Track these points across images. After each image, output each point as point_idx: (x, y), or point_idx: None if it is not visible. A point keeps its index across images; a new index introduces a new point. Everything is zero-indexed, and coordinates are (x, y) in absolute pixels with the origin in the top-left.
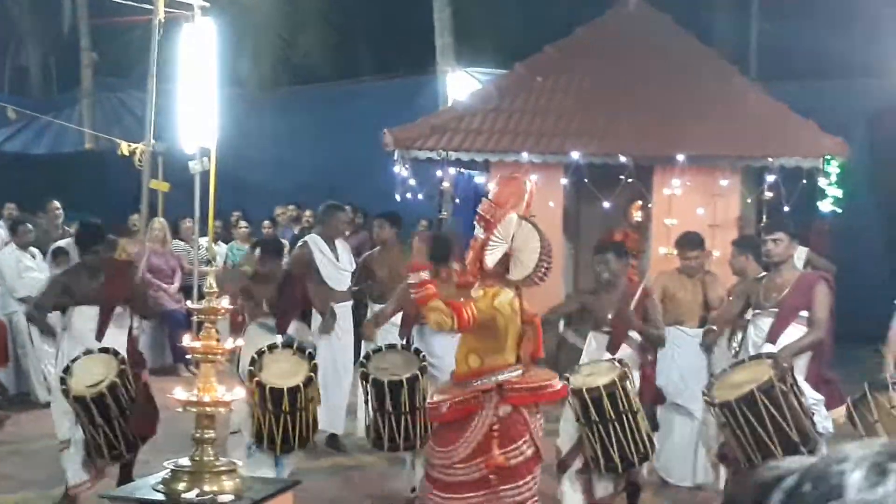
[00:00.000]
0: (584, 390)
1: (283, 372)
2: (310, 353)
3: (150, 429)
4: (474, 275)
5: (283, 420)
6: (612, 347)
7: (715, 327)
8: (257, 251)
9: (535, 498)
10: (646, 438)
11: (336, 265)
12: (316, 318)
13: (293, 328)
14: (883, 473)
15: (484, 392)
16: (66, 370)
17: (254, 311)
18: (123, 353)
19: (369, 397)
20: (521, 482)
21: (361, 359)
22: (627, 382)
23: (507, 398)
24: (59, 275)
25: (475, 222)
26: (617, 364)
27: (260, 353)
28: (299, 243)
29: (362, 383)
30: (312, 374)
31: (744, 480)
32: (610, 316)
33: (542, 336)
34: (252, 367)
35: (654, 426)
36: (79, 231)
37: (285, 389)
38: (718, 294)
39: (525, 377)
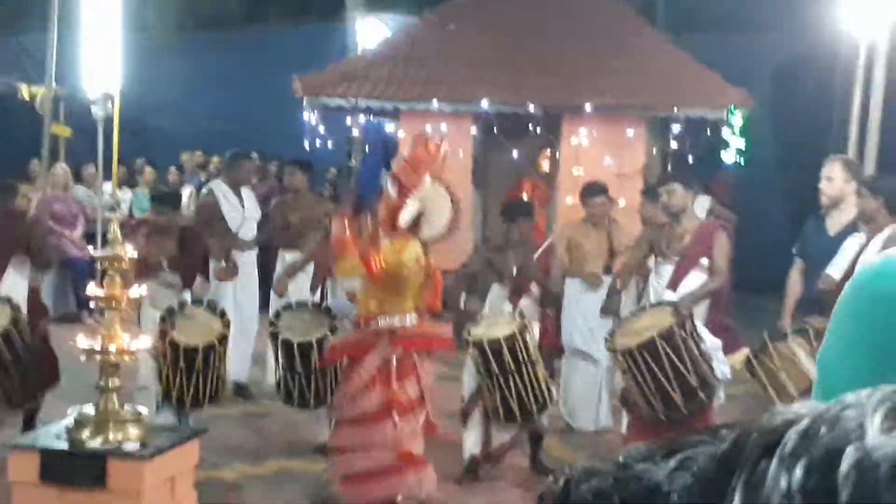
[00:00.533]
0: (484, 342)
1: (196, 330)
2: (221, 309)
3: (51, 379)
4: (386, 231)
5: (196, 378)
6: (514, 298)
7: (618, 284)
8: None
9: (410, 438)
10: (545, 389)
11: (241, 213)
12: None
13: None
14: None
15: (377, 334)
16: None
17: (151, 269)
18: (23, 302)
19: (279, 356)
20: (410, 417)
21: (272, 318)
22: (527, 334)
23: (398, 341)
24: None
25: (388, 180)
26: (516, 316)
27: (171, 311)
28: (204, 190)
29: (272, 342)
30: (226, 330)
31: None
32: (514, 270)
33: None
34: (163, 326)
35: (554, 375)
36: None
37: (200, 348)
38: (623, 241)
39: (418, 326)
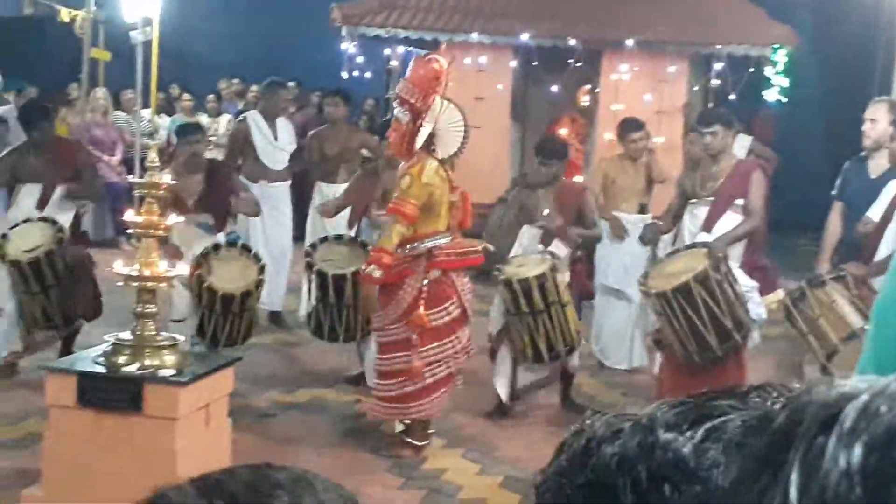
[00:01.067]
0: (514, 280)
1: (232, 275)
2: (255, 253)
3: (93, 309)
4: (401, 155)
5: (231, 321)
6: (546, 240)
7: (661, 222)
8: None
9: (458, 356)
10: (573, 330)
11: (273, 144)
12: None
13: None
14: None
15: (415, 257)
16: (4, 236)
17: (181, 209)
18: (67, 227)
19: (312, 286)
20: (445, 340)
21: (307, 247)
22: (558, 274)
23: (435, 262)
24: (5, 155)
25: (395, 102)
26: (548, 256)
27: (205, 254)
28: (238, 119)
29: (306, 272)
30: (262, 276)
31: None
32: (546, 212)
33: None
34: (200, 271)
35: (580, 317)
36: (23, 109)
37: (238, 295)
38: (661, 171)
39: (452, 243)
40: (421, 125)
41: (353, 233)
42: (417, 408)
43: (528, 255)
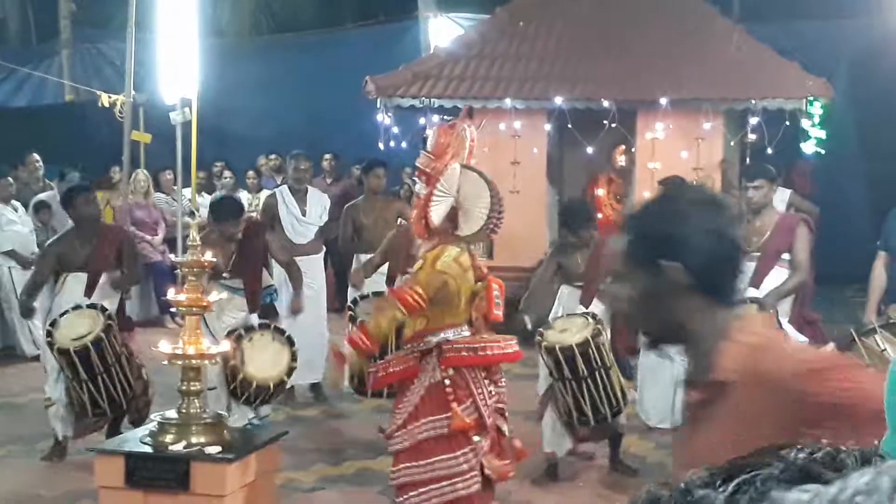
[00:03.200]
0: (556, 348)
1: (265, 363)
2: (288, 336)
3: (140, 394)
4: (420, 234)
5: (264, 393)
6: (585, 300)
7: None
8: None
9: (475, 472)
10: (619, 392)
11: (299, 219)
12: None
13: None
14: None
15: (423, 354)
16: (53, 324)
17: (213, 272)
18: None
19: None
20: (457, 452)
21: (349, 303)
22: (601, 339)
23: (445, 360)
24: (51, 245)
25: (415, 177)
26: (590, 319)
27: (238, 338)
28: (268, 193)
29: (349, 327)
30: (294, 364)
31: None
32: (581, 270)
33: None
34: (234, 363)
35: (626, 373)
36: (64, 193)
37: (272, 385)
38: None
39: (471, 339)
40: (432, 195)
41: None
42: None
43: (571, 318)
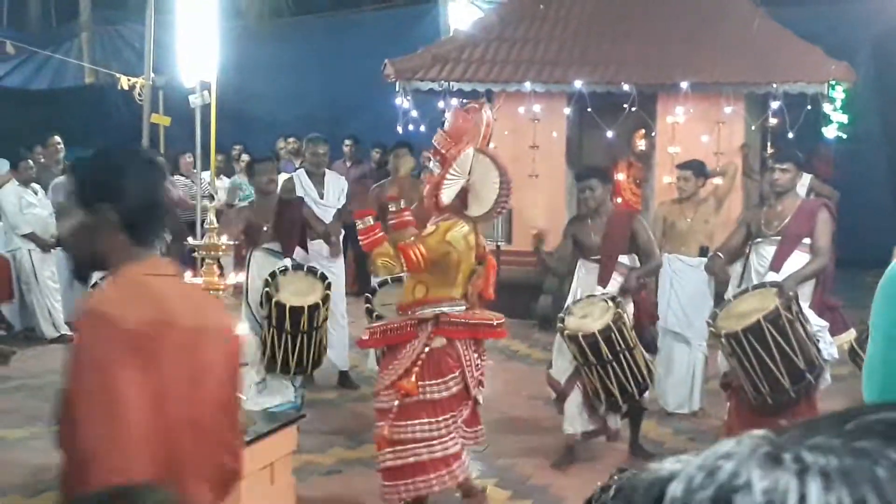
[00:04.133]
0: (579, 336)
1: (299, 291)
2: (321, 273)
3: None
4: (430, 210)
5: (300, 340)
6: (603, 276)
7: (721, 254)
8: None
9: (453, 436)
10: (644, 370)
11: (317, 201)
12: (313, 246)
13: (297, 254)
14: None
15: (420, 321)
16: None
17: (256, 236)
18: None
19: None
20: (440, 417)
21: (367, 293)
22: (622, 323)
23: (440, 330)
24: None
25: (429, 154)
26: (610, 303)
27: (273, 275)
28: (286, 178)
29: (367, 317)
30: (328, 291)
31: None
32: (598, 243)
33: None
34: (268, 289)
35: (653, 348)
36: None
37: (306, 308)
38: (710, 220)
39: (466, 313)
40: (446, 176)
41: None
42: (406, 486)
43: (591, 302)
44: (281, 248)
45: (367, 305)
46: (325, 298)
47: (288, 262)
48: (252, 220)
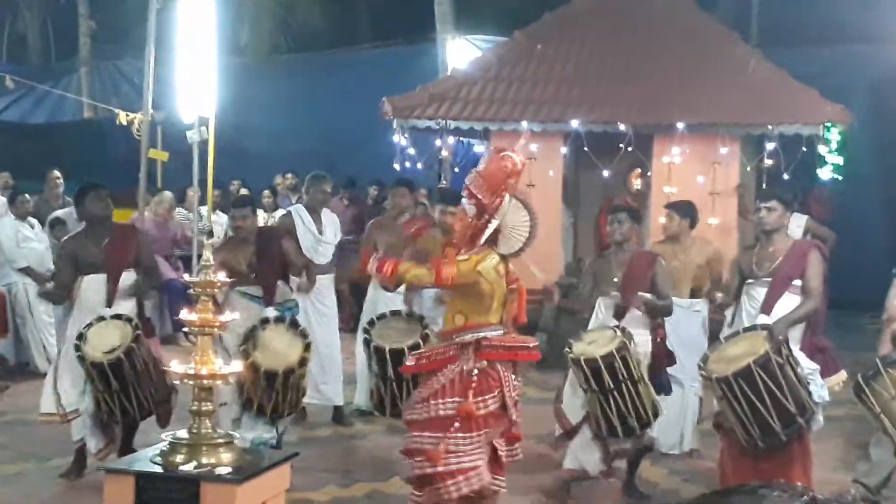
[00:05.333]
0: (581, 360)
1: (277, 351)
2: (303, 330)
3: (166, 395)
4: (462, 248)
5: (276, 396)
6: (620, 312)
7: (719, 301)
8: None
9: (481, 451)
10: (647, 406)
11: (317, 237)
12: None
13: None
14: None
15: (462, 346)
16: (80, 337)
17: (233, 276)
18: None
19: (371, 363)
20: (474, 434)
21: (365, 324)
22: (627, 353)
23: (482, 353)
24: (64, 243)
25: (462, 193)
26: (618, 332)
27: (252, 330)
28: (283, 213)
29: (365, 349)
30: (306, 353)
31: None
32: (616, 279)
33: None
34: (245, 346)
35: (665, 390)
36: (78, 191)
37: (280, 372)
38: (697, 262)
39: (504, 337)
40: (488, 223)
41: (407, 310)
42: (447, 488)
43: (601, 331)
44: (262, 291)
45: (366, 337)
46: (303, 361)
47: (270, 311)
48: (228, 261)
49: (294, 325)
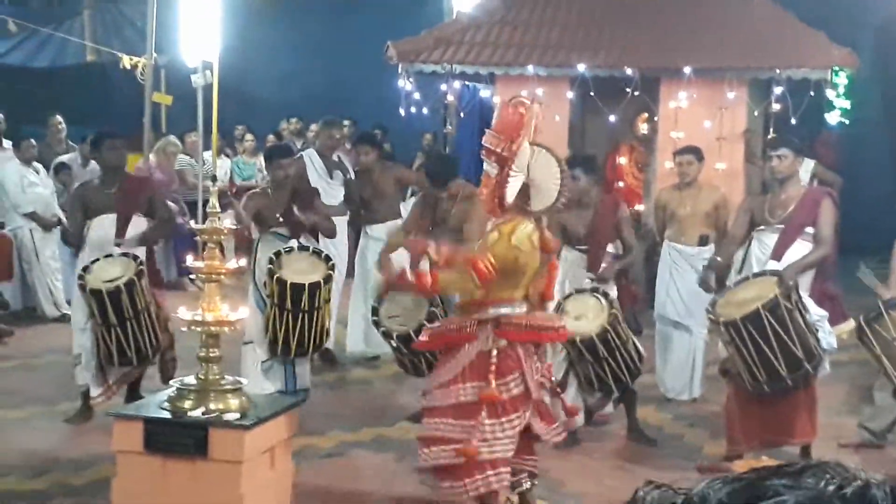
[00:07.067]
0: (577, 340)
1: (302, 270)
2: (326, 255)
3: (167, 345)
4: (493, 213)
5: (301, 319)
6: (593, 265)
7: (719, 258)
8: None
9: (512, 439)
10: (636, 359)
11: (328, 181)
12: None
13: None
14: None
15: (480, 322)
16: (86, 269)
17: (267, 221)
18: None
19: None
20: (503, 418)
21: (373, 305)
22: (618, 321)
23: (501, 332)
24: (76, 189)
25: (483, 156)
26: (603, 301)
27: (277, 253)
28: (295, 157)
29: (374, 328)
30: (331, 271)
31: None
32: (583, 232)
33: None
34: (271, 266)
35: (636, 329)
36: (94, 138)
37: (306, 285)
38: (710, 207)
39: (527, 315)
40: (509, 175)
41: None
42: (474, 483)
43: (583, 300)
44: (289, 232)
45: (374, 318)
46: (328, 278)
47: (294, 243)
48: (264, 209)
49: (316, 252)
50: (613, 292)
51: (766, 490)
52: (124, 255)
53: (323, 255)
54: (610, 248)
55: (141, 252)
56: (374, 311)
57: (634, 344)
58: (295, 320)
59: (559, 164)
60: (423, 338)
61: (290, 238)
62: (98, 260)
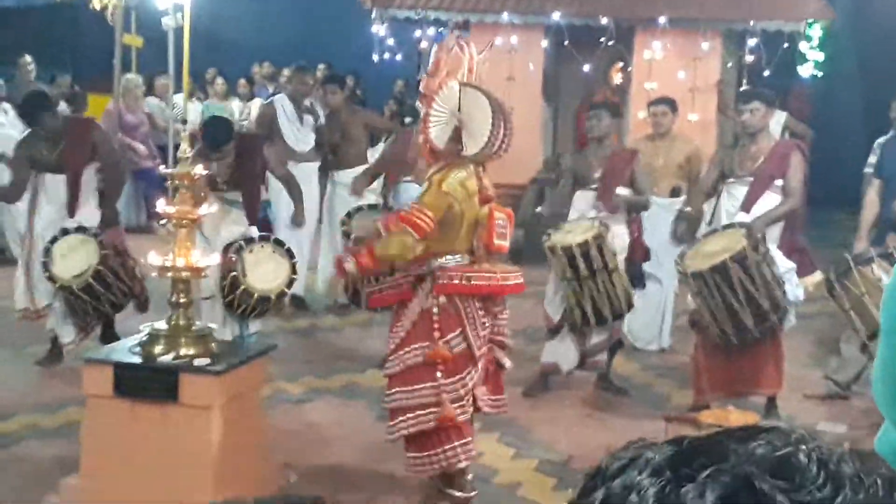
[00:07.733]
0: (557, 247)
1: (266, 275)
2: (288, 249)
3: (136, 294)
4: (427, 158)
5: (262, 305)
6: (601, 198)
7: (689, 208)
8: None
9: (463, 402)
10: (621, 296)
11: (299, 126)
12: (273, 181)
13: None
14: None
15: (419, 279)
16: (47, 253)
17: (210, 186)
18: (96, 221)
19: None
20: (464, 374)
21: (343, 217)
22: (603, 242)
23: (438, 286)
24: (18, 149)
25: (419, 101)
26: (595, 224)
27: (238, 250)
28: (265, 101)
29: (344, 239)
30: (294, 274)
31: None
32: (597, 174)
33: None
34: (235, 272)
35: (640, 283)
36: (21, 103)
37: (273, 296)
38: (680, 158)
39: (468, 267)
40: (429, 115)
41: (384, 202)
42: (437, 456)
43: (578, 222)
44: (244, 205)
45: (344, 228)
46: (291, 283)
47: (254, 230)
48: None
49: (278, 244)
50: (626, 239)
51: (708, 454)
52: (81, 229)
53: (285, 248)
54: (621, 191)
55: (95, 203)
56: (345, 222)
57: (624, 282)
58: (258, 311)
59: (492, 104)
60: (369, 297)
61: (248, 220)
62: (56, 239)
